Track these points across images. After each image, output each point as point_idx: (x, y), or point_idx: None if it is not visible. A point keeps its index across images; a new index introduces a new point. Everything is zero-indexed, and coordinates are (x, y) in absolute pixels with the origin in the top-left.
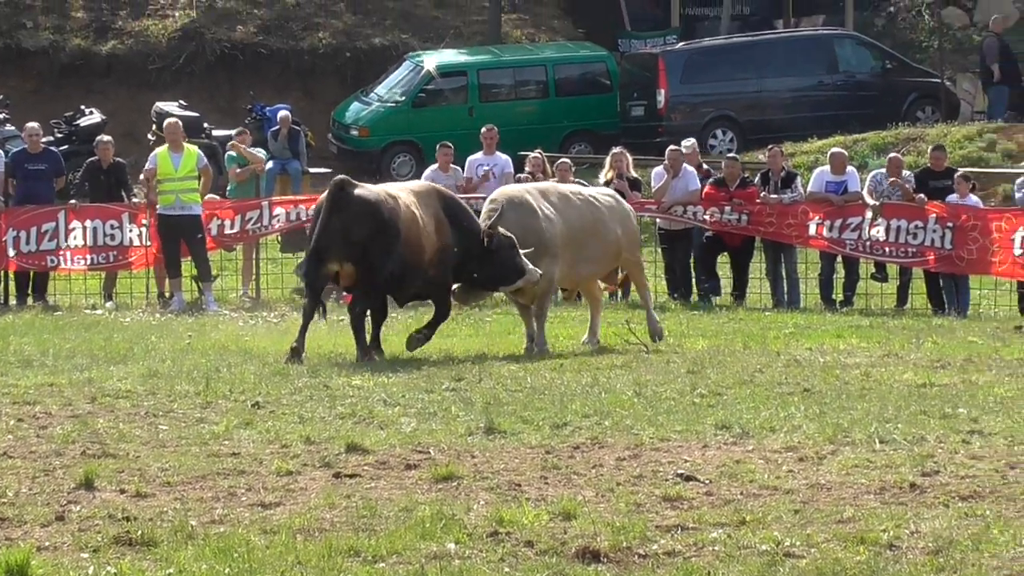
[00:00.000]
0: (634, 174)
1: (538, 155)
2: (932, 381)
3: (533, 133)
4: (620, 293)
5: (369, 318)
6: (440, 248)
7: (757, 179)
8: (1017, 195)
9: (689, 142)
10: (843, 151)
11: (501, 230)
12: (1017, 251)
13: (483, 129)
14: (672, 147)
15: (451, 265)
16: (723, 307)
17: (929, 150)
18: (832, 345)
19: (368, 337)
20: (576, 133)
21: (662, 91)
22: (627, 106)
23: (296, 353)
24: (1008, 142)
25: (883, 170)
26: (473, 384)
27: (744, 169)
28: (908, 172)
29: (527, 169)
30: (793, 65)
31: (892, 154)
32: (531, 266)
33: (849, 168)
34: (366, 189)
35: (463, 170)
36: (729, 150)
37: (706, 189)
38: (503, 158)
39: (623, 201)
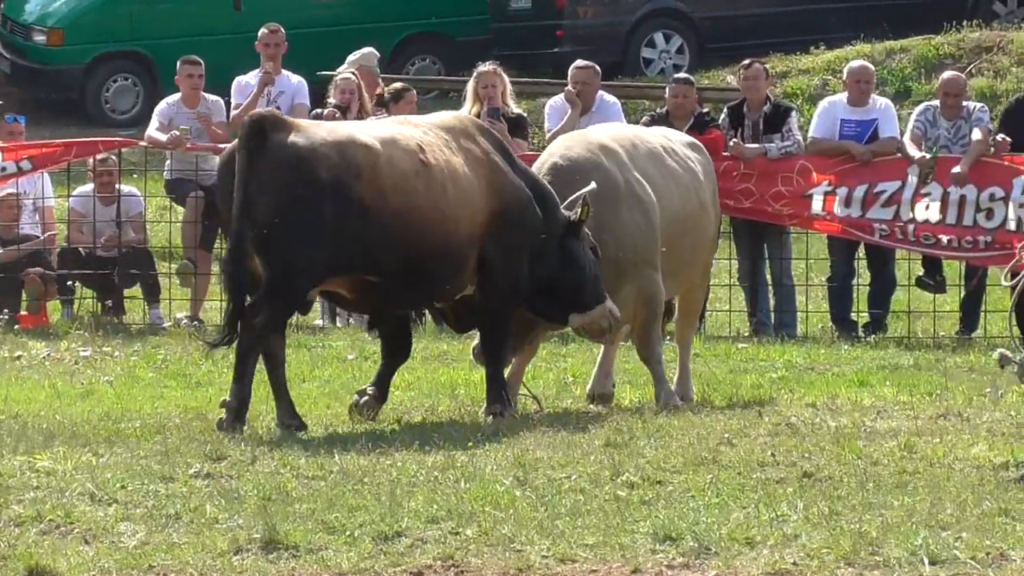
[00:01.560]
0: (515, 108)
1: (352, 76)
2: (1021, 460)
3: (343, 39)
4: None
5: (381, 352)
6: (497, 212)
7: (723, 117)
8: None
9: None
10: (869, 67)
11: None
12: None
13: (261, 32)
14: (580, 63)
15: (523, 247)
16: (667, 333)
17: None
18: (851, 399)
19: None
20: (416, 39)
21: None
22: None
23: (236, 415)
24: None
25: (937, 102)
26: (242, 465)
27: (702, 100)
28: (979, 104)
29: (332, 100)
30: None
31: (949, 73)
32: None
33: (879, 99)
34: (299, 133)
35: (228, 100)
36: (677, 68)
37: None
38: (294, 81)
39: (707, 154)
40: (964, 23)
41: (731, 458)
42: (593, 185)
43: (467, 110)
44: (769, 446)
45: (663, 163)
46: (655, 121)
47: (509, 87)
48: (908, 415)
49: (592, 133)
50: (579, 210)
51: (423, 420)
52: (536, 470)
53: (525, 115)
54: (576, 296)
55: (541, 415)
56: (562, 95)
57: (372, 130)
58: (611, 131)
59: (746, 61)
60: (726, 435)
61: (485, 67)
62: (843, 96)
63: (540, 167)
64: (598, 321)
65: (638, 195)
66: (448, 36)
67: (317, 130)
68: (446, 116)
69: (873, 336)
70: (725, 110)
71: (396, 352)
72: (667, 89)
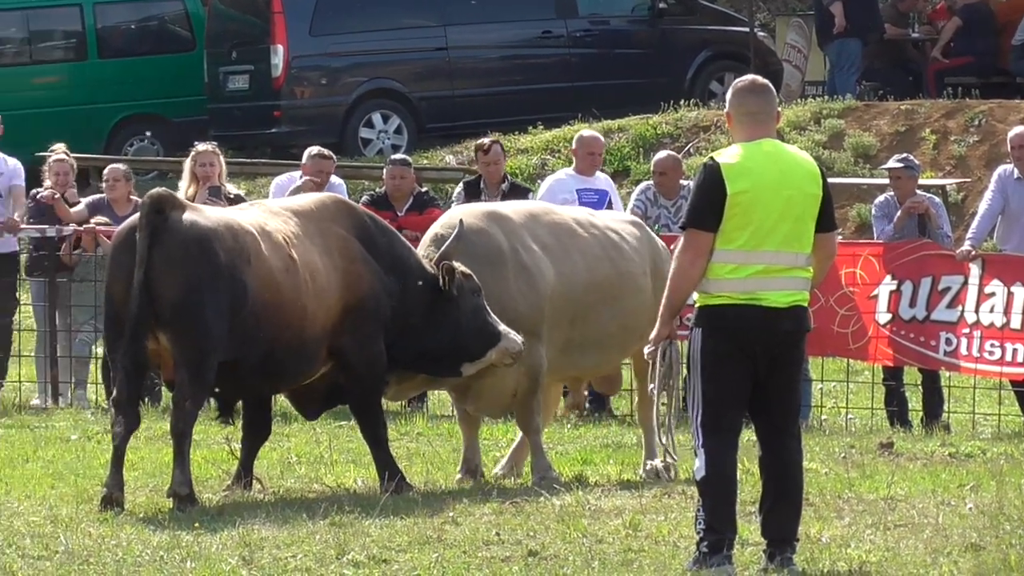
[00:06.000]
0: (233, 188)
1: (64, 157)
2: (745, 537)
3: (60, 120)
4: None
5: (241, 434)
6: (352, 307)
7: (457, 191)
8: (878, 226)
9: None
10: (600, 137)
11: (459, 266)
12: (882, 317)
13: None
14: (319, 151)
15: (378, 334)
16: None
17: None
18: (575, 477)
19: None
20: (134, 120)
21: (279, 49)
22: (220, 74)
23: (112, 500)
24: (864, 132)
25: (650, 182)
26: None
27: (421, 180)
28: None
29: (46, 182)
30: (502, 6)
31: (662, 152)
32: (504, 326)
33: (599, 173)
34: (197, 213)
35: None
36: (396, 148)
37: None
38: (11, 164)
39: (650, 231)
40: (682, 102)
41: (456, 537)
42: (455, 234)
43: (184, 190)
44: (494, 525)
45: (571, 234)
46: (374, 202)
47: (224, 168)
48: (632, 493)
49: (489, 204)
50: (443, 279)
51: (147, 500)
52: (262, 549)
53: (244, 196)
54: (461, 351)
55: (267, 494)
56: (287, 174)
57: (247, 218)
58: (513, 203)
59: (484, 140)
60: (451, 514)
61: (203, 146)
62: (568, 170)
63: (425, 237)
64: (498, 361)
65: (524, 263)
66: (164, 117)
67: (208, 211)
68: (305, 200)
69: (596, 414)
70: (461, 185)
71: (257, 432)
72: (384, 170)
